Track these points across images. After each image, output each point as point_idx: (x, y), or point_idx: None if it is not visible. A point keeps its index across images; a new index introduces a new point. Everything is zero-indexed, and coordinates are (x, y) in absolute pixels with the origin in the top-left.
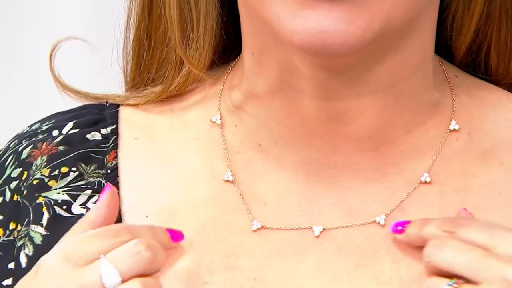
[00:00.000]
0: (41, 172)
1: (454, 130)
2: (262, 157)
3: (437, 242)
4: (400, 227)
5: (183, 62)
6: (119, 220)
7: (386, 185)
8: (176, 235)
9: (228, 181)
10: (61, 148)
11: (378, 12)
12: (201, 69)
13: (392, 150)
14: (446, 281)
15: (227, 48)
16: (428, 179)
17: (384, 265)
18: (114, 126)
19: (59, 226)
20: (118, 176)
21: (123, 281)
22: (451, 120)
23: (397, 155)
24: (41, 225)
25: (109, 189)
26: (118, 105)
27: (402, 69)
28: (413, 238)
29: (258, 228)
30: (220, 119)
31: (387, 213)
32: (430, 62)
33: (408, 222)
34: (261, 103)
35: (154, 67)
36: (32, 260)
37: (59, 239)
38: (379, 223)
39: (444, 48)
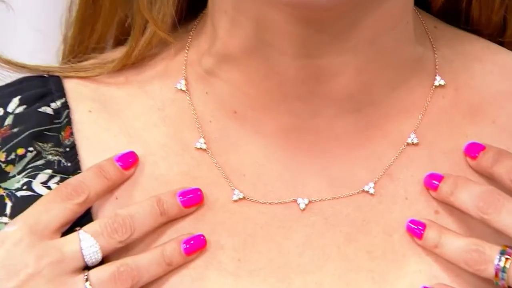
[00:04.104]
0: None
1: (440, 86)
2: (238, 125)
3: (495, 204)
4: (474, 153)
5: (146, 26)
6: None
7: (371, 150)
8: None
9: (201, 149)
10: (15, 130)
11: None
12: (165, 31)
13: (376, 111)
14: (497, 249)
15: (189, 9)
16: (415, 141)
17: (376, 237)
18: (64, 100)
19: (24, 206)
20: (77, 155)
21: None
22: (436, 76)
23: (381, 117)
24: (5, 215)
25: None
26: (58, 77)
27: (384, 23)
28: (482, 169)
29: (240, 199)
30: (186, 85)
31: (375, 181)
32: (410, 14)
33: (482, 148)
34: (237, 65)
35: (98, 33)
36: None
37: None
38: (368, 192)
39: None
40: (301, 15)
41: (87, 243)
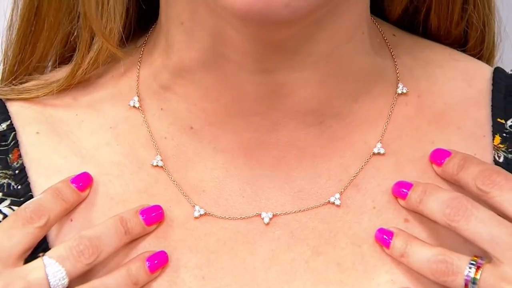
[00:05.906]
0: None
1: (402, 94)
2: (195, 141)
3: (463, 211)
4: (439, 160)
5: (93, 42)
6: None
7: (336, 161)
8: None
9: (157, 166)
10: None
11: None
12: (113, 45)
13: (339, 122)
14: (467, 260)
15: (138, 24)
16: (381, 151)
17: (345, 249)
18: (9, 122)
19: None
20: (27, 177)
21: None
22: (398, 84)
23: (344, 128)
24: None
25: None
26: (1, 100)
27: (340, 34)
28: (448, 175)
29: (201, 215)
30: (139, 102)
31: (341, 192)
32: (365, 25)
33: (448, 154)
34: (193, 80)
35: (40, 51)
36: None
37: None
38: (334, 203)
39: (376, 9)
40: (256, 34)
41: (53, 269)
